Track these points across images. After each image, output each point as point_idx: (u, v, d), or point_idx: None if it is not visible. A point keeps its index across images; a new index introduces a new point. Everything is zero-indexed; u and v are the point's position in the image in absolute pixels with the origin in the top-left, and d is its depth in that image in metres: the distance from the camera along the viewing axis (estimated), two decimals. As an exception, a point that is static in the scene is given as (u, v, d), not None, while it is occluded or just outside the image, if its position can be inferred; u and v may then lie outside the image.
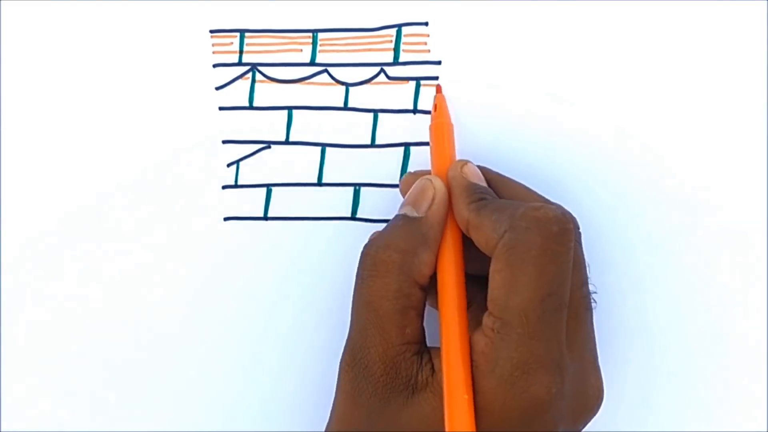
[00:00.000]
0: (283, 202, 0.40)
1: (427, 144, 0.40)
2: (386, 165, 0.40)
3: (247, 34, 0.40)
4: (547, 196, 0.36)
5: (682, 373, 0.39)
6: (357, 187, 0.40)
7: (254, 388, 0.40)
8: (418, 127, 0.40)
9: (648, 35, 0.40)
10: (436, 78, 0.40)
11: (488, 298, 0.32)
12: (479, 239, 0.34)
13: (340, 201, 0.40)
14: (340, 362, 0.34)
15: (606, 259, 0.39)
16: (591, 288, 0.35)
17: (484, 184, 0.36)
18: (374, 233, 0.35)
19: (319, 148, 0.40)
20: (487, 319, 0.32)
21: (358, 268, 0.34)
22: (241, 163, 0.40)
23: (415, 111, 0.40)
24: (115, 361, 0.40)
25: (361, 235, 0.39)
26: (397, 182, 0.40)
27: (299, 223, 0.40)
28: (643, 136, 0.40)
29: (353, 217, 0.40)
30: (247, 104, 0.40)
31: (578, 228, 0.35)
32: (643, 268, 0.39)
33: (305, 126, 0.40)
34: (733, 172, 0.40)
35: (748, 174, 0.39)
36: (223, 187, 0.40)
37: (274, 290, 0.40)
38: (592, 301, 0.35)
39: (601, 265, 0.39)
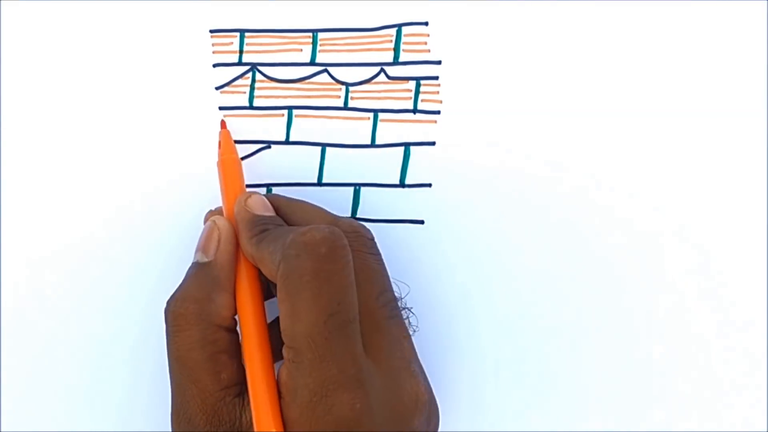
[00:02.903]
0: (283, 202, 0.40)
1: (427, 144, 0.40)
2: (386, 165, 0.40)
3: (247, 34, 0.40)
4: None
5: (682, 373, 0.39)
6: (357, 187, 0.40)
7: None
8: (418, 127, 0.40)
9: (648, 35, 0.40)
10: (437, 78, 0.40)
11: (280, 330, 0.32)
12: (265, 272, 0.34)
13: (340, 201, 0.40)
14: (171, 426, 0.34)
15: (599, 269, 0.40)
16: (396, 294, 0.35)
17: (271, 213, 0.36)
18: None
19: (319, 148, 0.40)
20: (284, 351, 0.32)
21: (165, 326, 0.34)
22: (241, 163, 0.40)
23: (415, 111, 0.40)
24: (115, 361, 0.40)
25: (361, 235, 0.39)
26: (397, 182, 0.40)
27: (299, 223, 0.40)
28: (639, 148, 0.40)
29: (353, 217, 0.40)
30: (247, 104, 0.40)
31: (370, 239, 0.35)
32: (642, 271, 0.40)
33: (305, 126, 0.40)
34: (730, 179, 0.40)
35: (745, 179, 0.40)
36: (223, 187, 0.40)
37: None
38: (397, 307, 0.34)
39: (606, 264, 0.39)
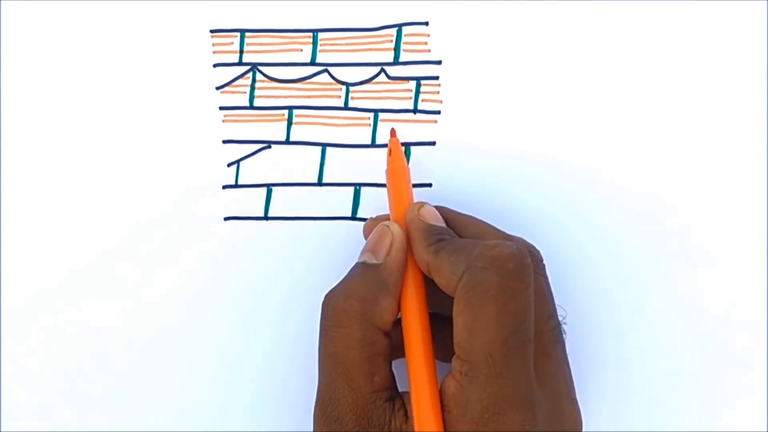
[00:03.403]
0: (283, 202, 0.40)
1: (427, 144, 0.40)
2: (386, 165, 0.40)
3: (247, 34, 0.40)
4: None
5: (682, 373, 0.39)
6: (357, 187, 0.40)
7: (255, 387, 0.40)
8: (419, 127, 0.40)
9: (648, 35, 0.40)
10: (437, 78, 0.40)
11: (454, 342, 0.32)
12: (440, 281, 0.34)
13: (340, 201, 0.40)
14: (313, 414, 0.34)
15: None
16: (560, 318, 0.34)
17: (442, 224, 0.36)
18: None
19: (319, 148, 0.40)
20: (454, 363, 0.32)
21: (321, 319, 0.34)
22: (241, 163, 0.40)
23: (415, 111, 0.40)
24: (115, 361, 0.40)
25: (361, 234, 0.39)
26: (397, 182, 0.40)
27: (299, 223, 0.40)
28: (632, 152, 0.40)
29: (353, 217, 0.40)
30: (247, 104, 0.40)
31: (541, 260, 0.35)
32: (631, 279, 0.40)
33: (305, 126, 0.40)
34: (730, 179, 0.40)
35: (744, 182, 0.40)
36: (223, 187, 0.40)
37: (275, 290, 0.40)
38: (561, 332, 0.34)
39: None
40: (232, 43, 0.40)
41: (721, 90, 0.39)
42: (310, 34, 0.40)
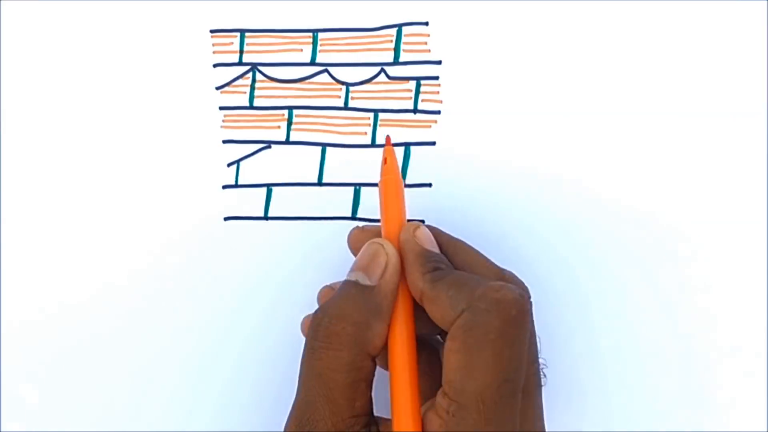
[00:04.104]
0: (283, 202, 0.40)
1: (427, 144, 0.40)
2: (386, 165, 0.40)
3: (247, 34, 0.40)
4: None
5: (682, 373, 0.39)
6: (357, 187, 0.40)
7: (254, 387, 0.40)
8: (419, 127, 0.40)
9: (648, 35, 0.40)
10: (437, 78, 0.40)
11: (444, 379, 0.31)
12: (434, 313, 0.33)
13: (340, 201, 0.40)
14: (286, 424, 0.33)
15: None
16: (541, 362, 0.34)
17: (437, 249, 0.35)
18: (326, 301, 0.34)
19: (319, 148, 0.40)
20: (442, 400, 0.32)
21: (309, 338, 0.33)
22: (241, 163, 0.40)
23: (415, 111, 0.40)
24: (114, 361, 0.40)
25: (361, 234, 0.39)
26: (397, 182, 0.40)
27: (299, 223, 0.40)
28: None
29: (353, 217, 0.40)
30: (247, 104, 0.40)
31: (530, 300, 0.34)
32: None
33: (305, 126, 0.40)
34: (730, 179, 0.40)
35: (745, 179, 0.40)
36: (223, 187, 0.40)
37: (274, 290, 0.40)
38: (542, 376, 0.34)
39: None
40: (232, 43, 0.40)
41: (721, 90, 0.39)
42: (310, 34, 0.40)
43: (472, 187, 0.40)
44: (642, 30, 0.40)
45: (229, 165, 0.40)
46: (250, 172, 0.40)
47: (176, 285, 0.40)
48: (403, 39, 0.40)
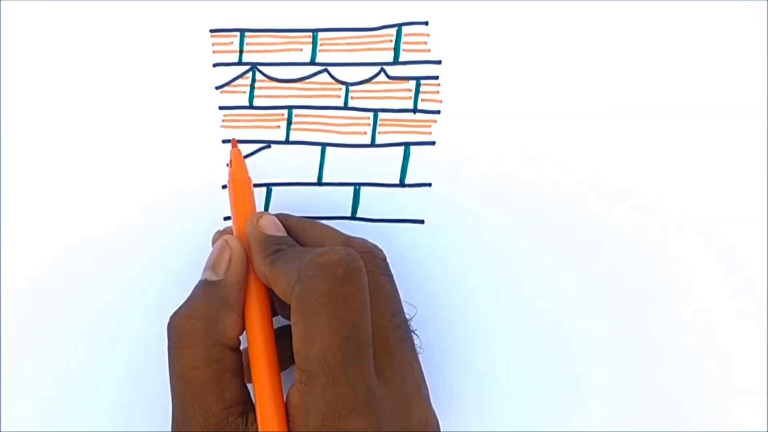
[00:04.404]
0: (283, 201, 0.40)
1: (427, 144, 0.40)
2: (386, 165, 0.40)
3: (247, 34, 0.40)
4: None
5: (682, 373, 0.39)
6: (357, 187, 0.40)
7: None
8: (419, 127, 0.40)
9: (648, 35, 0.40)
10: (437, 77, 0.40)
11: (293, 352, 0.32)
12: (278, 292, 0.34)
13: (340, 201, 0.40)
14: None
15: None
16: (408, 315, 0.34)
17: (283, 233, 0.36)
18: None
19: (319, 148, 0.40)
20: (296, 373, 0.32)
21: (167, 342, 0.34)
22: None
23: (415, 111, 0.40)
24: (115, 361, 0.40)
25: (361, 234, 0.38)
26: (397, 182, 0.40)
27: (299, 222, 0.40)
28: (638, 148, 0.40)
29: (353, 217, 0.40)
30: (247, 104, 0.40)
31: (383, 259, 0.35)
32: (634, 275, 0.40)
33: (305, 126, 0.40)
34: (730, 179, 0.40)
35: (745, 179, 0.40)
36: (223, 187, 0.40)
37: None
38: (408, 329, 0.34)
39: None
40: (232, 42, 0.40)
41: (721, 90, 0.39)
42: (310, 33, 0.40)
43: (472, 187, 0.40)
44: (642, 30, 0.40)
45: (229, 165, 0.40)
46: (249, 171, 0.40)
47: (176, 285, 0.40)
48: (403, 39, 0.40)
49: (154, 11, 0.40)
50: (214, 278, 0.35)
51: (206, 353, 0.33)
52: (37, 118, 0.40)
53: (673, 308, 0.39)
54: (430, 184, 0.40)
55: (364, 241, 0.36)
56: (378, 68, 0.40)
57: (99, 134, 0.40)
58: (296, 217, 0.37)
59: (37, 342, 0.40)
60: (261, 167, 0.40)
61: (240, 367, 0.34)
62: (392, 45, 0.40)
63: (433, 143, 0.40)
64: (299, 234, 0.36)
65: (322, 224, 0.37)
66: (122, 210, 0.40)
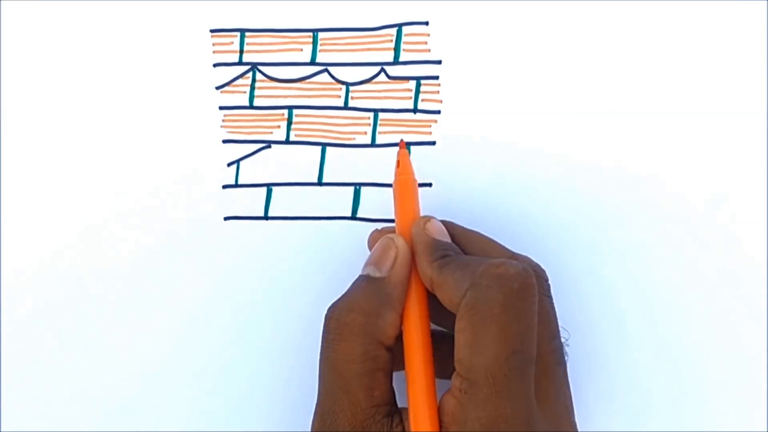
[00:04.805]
0: (283, 201, 0.40)
1: (427, 144, 0.40)
2: (386, 165, 0.40)
3: (247, 34, 0.40)
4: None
5: (682, 373, 0.39)
6: (357, 186, 0.40)
7: (254, 387, 0.40)
8: (419, 127, 0.40)
9: (648, 35, 0.40)
10: (437, 77, 0.40)
11: (455, 359, 0.32)
12: (443, 297, 0.33)
13: (340, 201, 0.40)
14: (312, 425, 0.34)
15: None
16: (563, 339, 0.34)
17: (448, 239, 0.36)
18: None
19: (319, 148, 0.40)
20: (454, 380, 0.32)
21: (323, 332, 0.34)
22: (241, 162, 0.40)
23: (415, 110, 0.40)
24: (115, 361, 0.40)
25: (361, 234, 0.39)
26: (397, 182, 0.40)
27: (299, 222, 0.40)
28: (641, 150, 0.40)
29: (353, 217, 0.40)
30: (247, 104, 0.40)
31: (546, 280, 0.35)
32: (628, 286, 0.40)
33: (305, 126, 0.40)
34: (730, 179, 0.40)
35: (745, 179, 0.40)
36: (223, 187, 0.40)
37: (274, 290, 0.40)
38: (564, 354, 0.34)
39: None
40: (232, 42, 0.40)
41: (721, 90, 0.39)
42: (310, 33, 0.40)
43: (472, 187, 0.40)
44: (642, 30, 0.40)
45: (229, 165, 0.40)
46: (250, 171, 0.40)
47: (176, 285, 0.40)
48: (403, 39, 0.40)
49: (154, 11, 0.40)
50: (378, 275, 0.34)
51: (364, 349, 0.33)
52: (37, 118, 0.40)
53: (673, 308, 0.39)
54: (430, 184, 0.40)
55: (529, 259, 0.35)
56: (378, 68, 0.40)
57: (99, 134, 0.40)
58: (461, 226, 0.37)
59: (37, 342, 0.40)
60: (261, 167, 0.40)
61: (391, 368, 0.34)
62: (392, 45, 0.40)
63: (433, 143, 0.40)
64: (463, 243, 0.36)
65: (487, 237, 0.36)
66: (122, 209, 0.40)
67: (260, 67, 0.40)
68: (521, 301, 0.31)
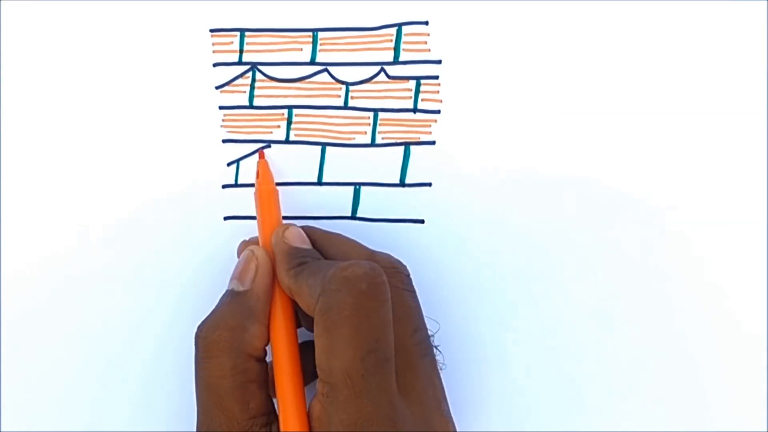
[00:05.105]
0: (283, 201, 0.40)
1: (427, 144, 0.40)
2: (386, 165, 0.40)
3: (247, 33, 0.40)
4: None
5: (681, 373, 0.39)
6: (357, 186, 0.40)
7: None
8: (419, 127, 0.40)
9: (648, 35, 0.40)
10: (437, 77, 0.40)
11: (316, 364, 0.32)
12: (302, 305, 0.34)
13: (340, 200, 0.40)
14: None
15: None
16: (430, 332, 0.35)
17: (308, 246, 0.36)
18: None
19: (318, 148, 0.40)
20: (318, 385, 0.32)
21: (195, 351, 0.34)
22: (241, 162, 0.40)
23: (415, 110, 0.40)
24: (115, 361, 0.40)
25: (361, 234, 0.39)
26: (397, 182, 0.40)
27: (299, 222, 0.40)
28: (640, 153, 0.40)
29: (353, 217, 0.40)
30: (247, 104, 0.40)
31: (407, 275, 0.35)
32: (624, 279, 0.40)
33: (305, 126, 0.40)
34: (730, 179, 0.40)
35: (744, 182, 0.40)
36: (223, 187, 0.40)
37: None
38: (430, 345, 0.34)
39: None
40: (232, 42, 0.40)
41: (721, 90, 0.39)
42: (310, 33, 0.40)
43: (472, 187, 0.40)
44: (642, 30, 0.40)
45: (229, 164, 0.40)
46: (250, 171, 0.40)
47: (176, 284, 0.40)
48: (403, 38, 0.40)
49: (154, 11, 0.40)
50: (241, 288, 0.35)
51: (233, 363, 0.33)
52: (37, 118, 0.40)
53: (672, 307, 0.39)
54: (430, 184, 0.40)
55: (388, 256, 0.36)
56: (378, 68, 0.40)
57: (99, 134, 0.40)
58: (322, 230, 0.38)
59: (37, 342, 0.40)
60: (261, 167, 0.40)
61: (265, 378, 0.34)
62: (392, 45, 0.40)
63: (433, 143, 0.40)
64: (324, 247, 0.37)
65: (347, 238, 0.37)
66: (122, 210, 0.40)
67: (260, 67, 0.40)
68: (370, 300, 0.32)
